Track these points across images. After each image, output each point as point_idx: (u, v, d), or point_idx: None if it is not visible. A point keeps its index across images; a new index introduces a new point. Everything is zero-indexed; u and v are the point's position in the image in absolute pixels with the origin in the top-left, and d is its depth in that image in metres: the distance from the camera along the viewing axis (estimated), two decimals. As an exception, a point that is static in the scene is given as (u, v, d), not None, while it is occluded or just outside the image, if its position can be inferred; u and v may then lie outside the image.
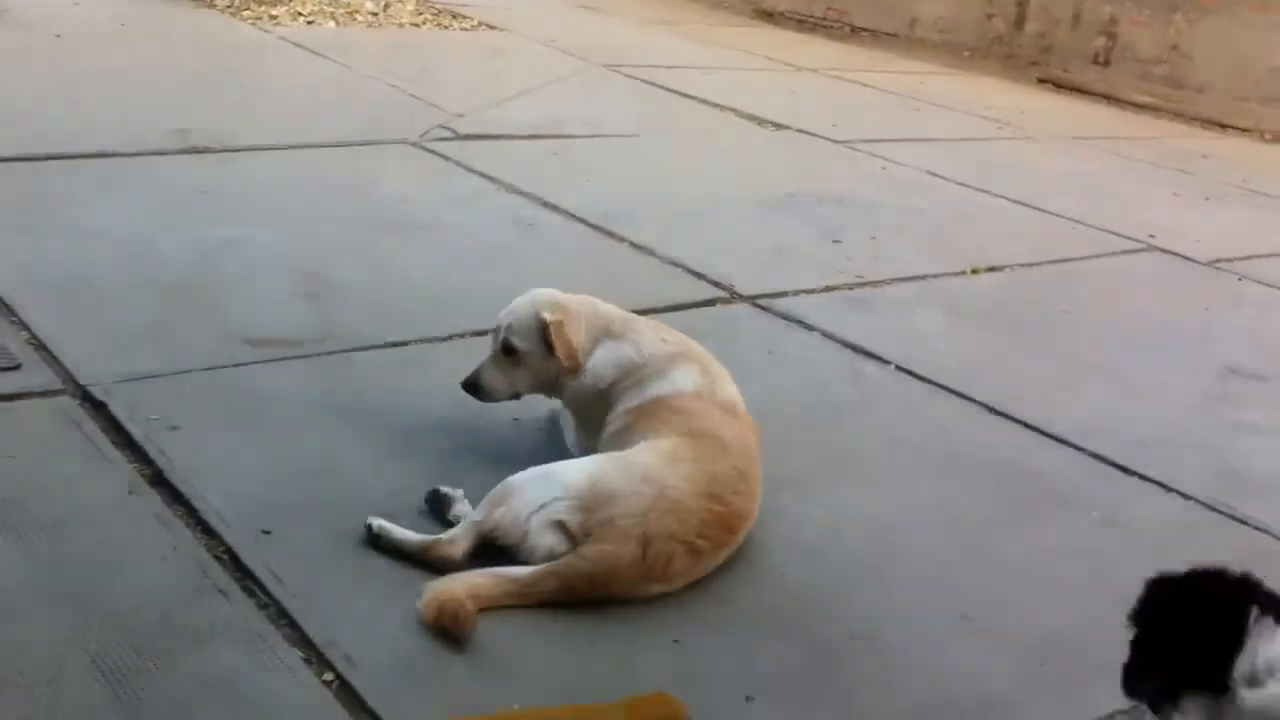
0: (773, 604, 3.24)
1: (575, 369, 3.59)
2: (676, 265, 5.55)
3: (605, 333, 3.67)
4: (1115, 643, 2.51)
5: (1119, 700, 2.59)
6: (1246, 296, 6.15)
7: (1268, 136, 10.44)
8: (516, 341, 3.62)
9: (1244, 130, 10.52)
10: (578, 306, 3.69)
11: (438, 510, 3.34)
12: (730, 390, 3.64)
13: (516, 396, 3.74)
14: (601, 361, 3.62)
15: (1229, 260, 6.61)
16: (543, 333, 3.58)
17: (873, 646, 3.12)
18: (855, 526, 3.65)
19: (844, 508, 3.74)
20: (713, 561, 3.27)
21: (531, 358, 3.62)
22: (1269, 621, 2.35)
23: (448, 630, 2.88)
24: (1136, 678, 2.48)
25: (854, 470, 3.99)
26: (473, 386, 3.68)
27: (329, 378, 4.10)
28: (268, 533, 3.18)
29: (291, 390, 3.98)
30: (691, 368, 3.63)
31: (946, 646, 3.15)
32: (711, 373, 3.66)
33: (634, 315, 3.82)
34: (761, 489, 3.44)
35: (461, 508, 3.31)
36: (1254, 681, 2.31)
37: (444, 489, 3.38)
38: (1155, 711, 2.43)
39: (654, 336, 3.71)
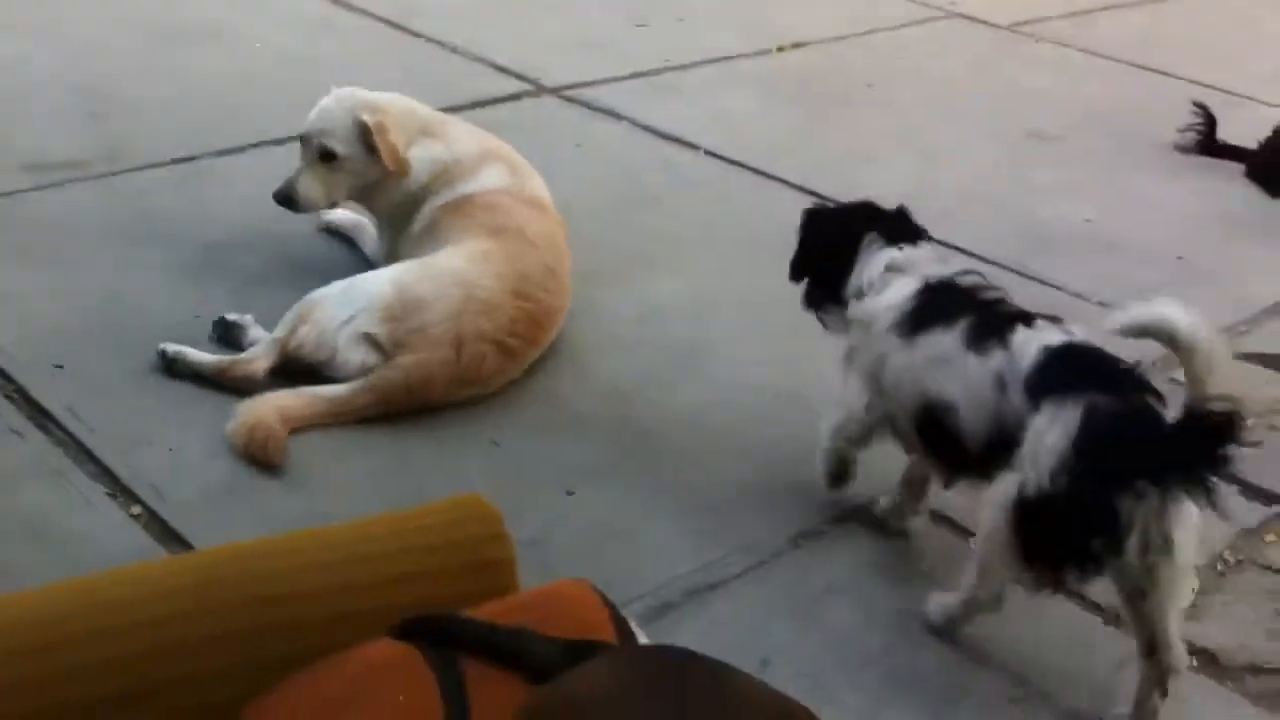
0: (590, 398, 3.27)
1: (404, 172, 3.47)
2: (480, 60, 5.39)
3: (421, 132, 3.55)
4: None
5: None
6: (1044, 58, 6.24)
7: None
8: (335, 145, 3.45)
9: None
10: (393, 106, 3.55)
11: (230, 340, 3.21)
12: (537, 185, 3.59)
13: (333, 205, 3.62)
14: (416, 161, 3.51)
15: (1027, 23, 6.68)
16: (363, 135, 3.43)
17: (693, 430, 3.17)
18: (668, 315, 3.67)
19: (657, 297, 3.76)
20: (525, 359, 3.26)
21: (351, 162, 3.47)
22: (879, 245, 2.80)
23: (256, 457, 2.83)
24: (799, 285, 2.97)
25: (665, 259, 3.99)
26: (286, 199, 3.49)
27: (117, 200, 3.92)
28: (60, 367, 3.06)
29: (78, 216, 3.79)
30: (499, 165, 3.56)
31: (764, 426, 3.22)
32: (519, 170, 3.60)
33: (447, 115, 3.71)
34: (571, 283, 3.43)
35: (255, 332, 3.20)
36: (858, 295, 2.77)
37: (231, 316, 3.23)
38: (815, 315, 2.94)
39: (467, 135, 3.62)
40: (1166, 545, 2.28)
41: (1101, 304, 3.89)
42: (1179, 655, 2.39)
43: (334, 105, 3.50)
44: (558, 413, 3.20)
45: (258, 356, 3.09)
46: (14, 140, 4.21)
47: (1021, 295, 3.81)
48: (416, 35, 5.60)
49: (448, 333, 3.09)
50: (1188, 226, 4.54)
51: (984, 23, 6.66)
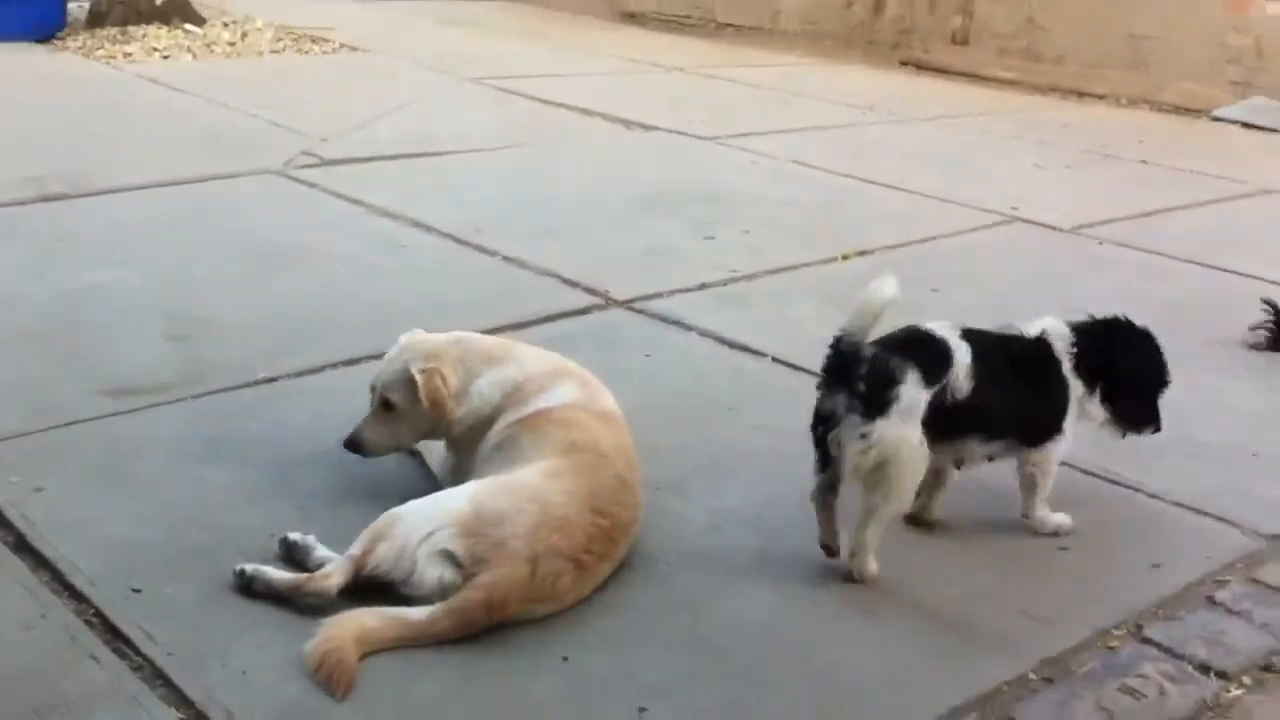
0: (661, 609, 3.24)
1: (447, 419, 3.59)
2: (550, 275, 5.54)
3: (485, 361, 3.67)
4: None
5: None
6: (1107, 260, 6.29)
7: (1124, 101, 10.71)
8: (394, 397, 3.62)
9: (1100, 97, 10.78)
10: (448, 348, 3.68)
11: (294, 559, 3.23)
12: (607, 400, 3.65)
13: (401, 448, 3.75)
14: (487, 386, 3.62)
15: (1089, 225, 6.77)
16: (413, 386, 3.58)
17: (762, 643, 3.13)
18: (738, 523, 3.66)
19: (727, 505, 3.75)
20: (600, 575, 3.26)
21: (408, 411, 3.61)
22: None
23: (326, 682, 2.83)
24: None
25: (735, 467, 4.00)
26: (355, 445, 3.66)
27: (198, 422, 4.02)
28: (138, 590, 3.10)
29: (159, 438, 3.89)
30: (569, 381, 3.64)
31: (834, 631, 3.17)
32: (589, 385, 3.67)
33: (509, 340, 3.86)
34: (642, 495, 3.45)
35: (320, 552, 3.23)
36: None
37: (294, 536, 3.27)
38: None
39: (535, 355, 3.74)
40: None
41: (1179, 504, 3.84)
42: (859, 563, 3.33)
43: (396, 355, 3.67)
44: (630, 626, 3.17)
45: (331, 574, 3.11)
46: (99, 365, 4.35)
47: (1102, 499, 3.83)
48: (490, 254, 5.78)
49: (524, 549, 3.09)
50: (1259, 423, 4.49)
51: (1046, 226, 6.75)
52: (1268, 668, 3.08)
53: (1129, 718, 2.87)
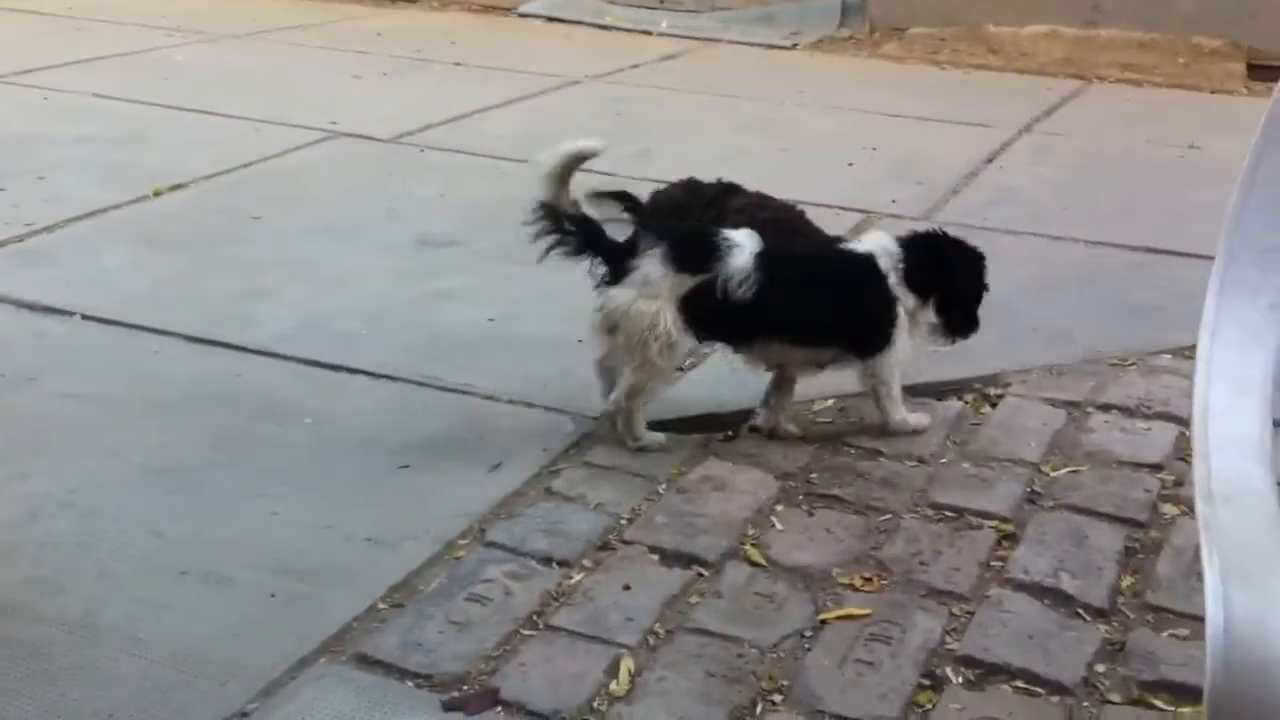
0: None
1: None
2: None
3: None
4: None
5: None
6: (430, 165, 6.33)
7: (436, 4, 10.81)
8: None
9: (413, 2, 10.82)
10: None
11: None
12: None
13: None
14: None
15: (410, 134, 6.77)
16: None
17: (89, 637, 2.82)
18: (58, 506, 3.29)
19: (44, 488, 3.36)
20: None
21: None
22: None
23: None
24: None
25: (50, 443, 3.60)
26: None
27: None
28: None
29: None
30: None
31: (166, 615, 2.91)
32: None
33: None
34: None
35: None
36: None
37: None
38: None
39: None
40: None
41: (511, 401, 3.92)
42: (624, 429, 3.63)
43: None
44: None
45: None
46: None
47: (434, 406, 3.80)
48: None
49: None
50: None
51: (367, 138, 6.67)
52: (604, 546, 3.20)
53: (479, 625, 2.86)
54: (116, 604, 2.93)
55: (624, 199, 5.28)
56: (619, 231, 3.68)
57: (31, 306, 4.45)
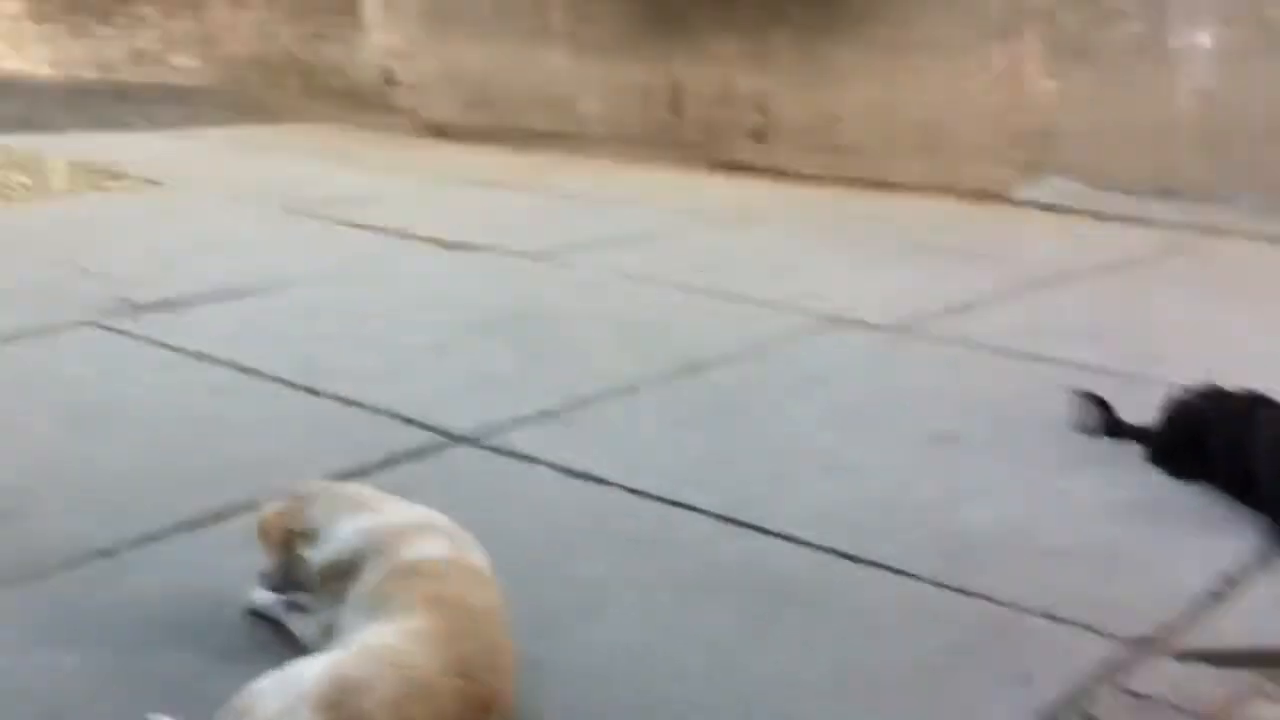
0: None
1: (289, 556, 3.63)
2: (386, 413, 5.43)
3: (350, 507, 3.65)
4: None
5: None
6: (934, 356, 6.47)
7: (922, 190, 11.00)
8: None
9: (898, 187, 11.03)
10: (317, 491, 3.77)
11: None
12: (478, 556, 3.58)
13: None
14: (348, 532, 3.55)
15: (910, 323, 6.96)
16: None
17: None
18: (616, 669, 3.60)
19: (602, 650, 3.69)
20: (470, 746, 3.16)
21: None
22: None
23: None
24: None
25: (603, 606, 3.95)
26: None
27: (33, 610, 3.80)
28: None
29: (-9, 636, 3.66)
30: (437, 533, 3.56)
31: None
32: (457, 538, 3.59)
33: (380, 492, 3.80)
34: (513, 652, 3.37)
35: None
36: None
37: (153, 718, 3.16)
38: None
39: (401, 506, 3.70)
40: None
41: (1035, 613, 3.91)
42: None
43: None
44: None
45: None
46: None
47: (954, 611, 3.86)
48: (323, 395, 5.64)
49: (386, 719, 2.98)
50: (1101, 517, 4.61)
51: (868, 325, 6.92)
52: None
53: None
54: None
55: (1100, 404, 5.23)
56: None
57: (578, 475, 4.87)
